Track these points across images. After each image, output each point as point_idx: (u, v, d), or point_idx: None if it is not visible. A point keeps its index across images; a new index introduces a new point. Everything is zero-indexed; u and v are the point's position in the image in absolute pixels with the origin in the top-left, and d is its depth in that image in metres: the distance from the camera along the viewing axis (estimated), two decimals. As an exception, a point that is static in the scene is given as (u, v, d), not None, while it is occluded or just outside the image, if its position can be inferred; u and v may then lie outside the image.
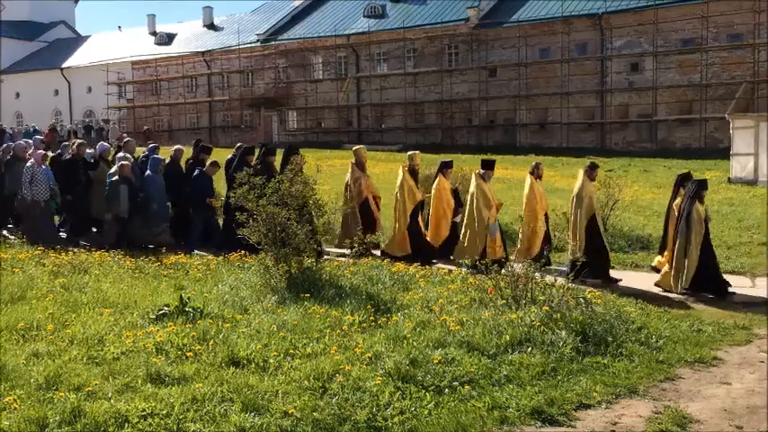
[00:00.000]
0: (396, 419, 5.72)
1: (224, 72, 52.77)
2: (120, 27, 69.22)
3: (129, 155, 14.45)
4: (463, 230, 12.08)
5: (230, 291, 9.45)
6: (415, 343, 7.24)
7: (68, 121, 55.93)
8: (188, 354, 6.81)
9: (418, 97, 44.66)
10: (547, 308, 8.04)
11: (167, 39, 59.12)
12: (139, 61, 56.66)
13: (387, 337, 7.48)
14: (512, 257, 11.93)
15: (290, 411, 5.66)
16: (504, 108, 42.39)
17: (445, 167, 12.95)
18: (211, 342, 7.14)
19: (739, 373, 7.18)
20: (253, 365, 6.64)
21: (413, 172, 12.93)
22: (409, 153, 13.63)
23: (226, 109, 52.99)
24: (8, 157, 15.25)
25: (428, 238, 12.65)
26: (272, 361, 6.72)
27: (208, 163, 13.85)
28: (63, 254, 11.94)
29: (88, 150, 15.41)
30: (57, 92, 61.93)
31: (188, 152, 15.60)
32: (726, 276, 10.88)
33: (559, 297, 8.28)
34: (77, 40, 67.60)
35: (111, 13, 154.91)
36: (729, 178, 24.68)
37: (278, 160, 13.27)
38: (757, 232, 14.70)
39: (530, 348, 7.29)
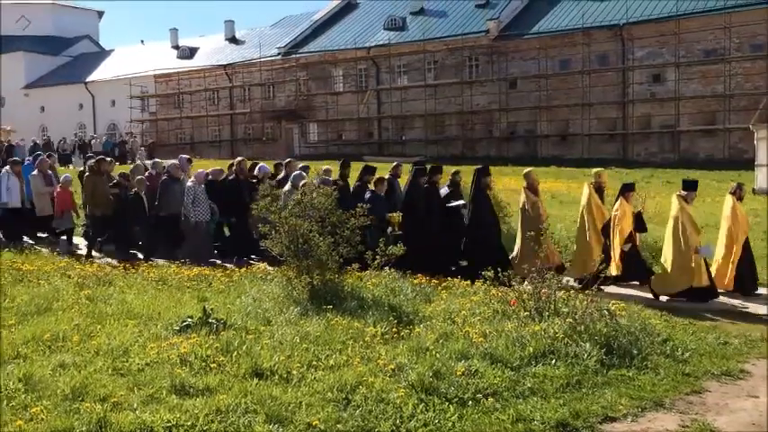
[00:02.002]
0: (419, 431, 5.70)
1: (245, 85, 53.16)
2: (142, 41, 70.00)
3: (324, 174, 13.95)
4: (669, 259, 11.17)
5: (253, 302, 9.45)
6: (437, 355, 7.21)
7: (92, 133, 56.52)
8: (212, 365, 6.83)
9: (438, 109, 44.73)
10: (570, 320, 7.98)
11: (189, 52, 59.67)
12: (162, 75, 57.20)
13: (409, 348, 7.45)
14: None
15: (313, 423, 5.65)
16: (525, 119, 42.36)
17: (627, 191, 11.90)
18: (235, 353, 7.15)
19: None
20: (276, 377, 6.65)
21: (599, 190, 12.26)
22: (595, 170, 12.98)
23: (247, 121, 53.33)
24: (164, 178, 14.77)
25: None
26: (295, 372, 6.72)
27: (373, 181, 13.32)
28: (88, 266, 12.04)
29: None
30: (81, 105, 62.63)
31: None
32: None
33: (583, 309, 8.22)
34: (101, 55, 68.37)
35: (135, 27, 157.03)
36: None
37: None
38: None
39: (553, 360, 7.24)
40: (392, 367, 6.85)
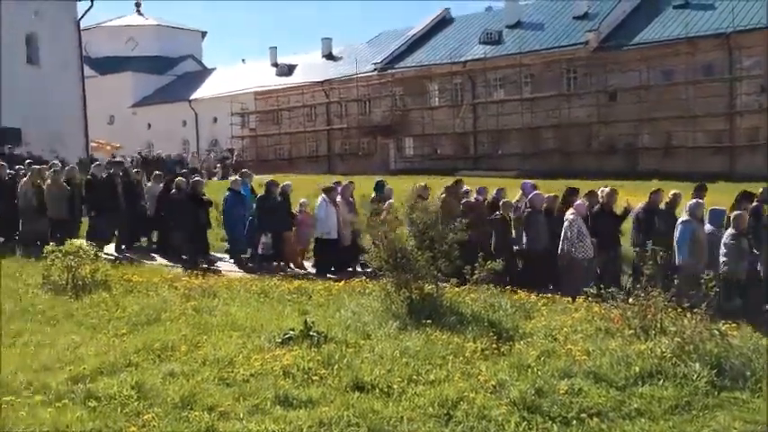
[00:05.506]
0: (523, 450, 5.62)
1: (342, 101, 53.86)
2: (243, 60, 71.99)
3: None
4: None
5: (352, 316, 9.55)
6: (539, 372, 7.11)
7: (195, 150, 58.47)
8: (314, 377, 6.93)
9: (535, 122, 44.17)
10: (678, 339, 7.71)
11: (288, 70, 60.95)
12: (262, 92, 58.58)
13: (510, 365, 7.38)
14: None
15: (415, 438, 5.66)
16: (625, 132, 41.31)
17: None
18: (336, 366, 7.23)
19: None
20: (377, 390, 6.68)
21: None
22: None
23: (344, 137, 53.97)
24: (528, 210, 13.63)
25: None
26: (395, 386, 6.74)
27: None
28: (193, 277, 12.43)
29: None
30: (184, 123, 64.82)
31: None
32: None
33: (692, 328, 7.93)
34: (204, 73, 70.67)
35: (236, 46, 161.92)
36: None
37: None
38: None
39: (661, 381, 7.01)
40: (493, 384, 6.79)
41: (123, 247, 16.54)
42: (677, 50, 38.69)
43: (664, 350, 7.54)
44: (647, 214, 12.96)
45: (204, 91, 64.97)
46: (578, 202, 13.15)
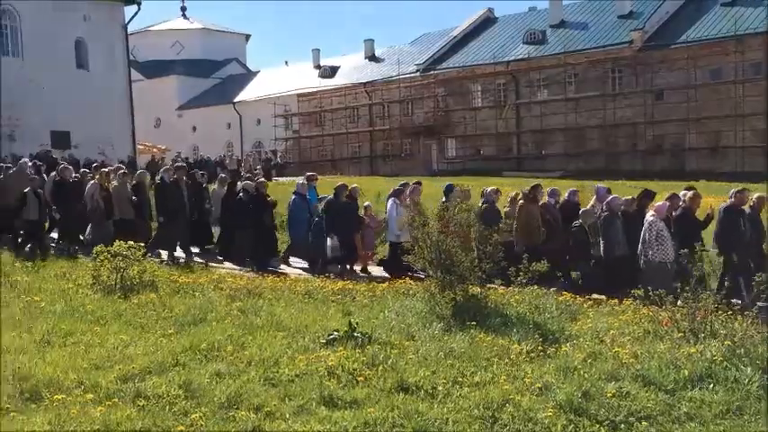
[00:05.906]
0: (570, 453, 5.56)
1: (384, 102, 53.97)
2: (286, 62, 72.50)
3: None
4: None
5: (396, 317, 9.54)
6: (586, 375, 7.01)
7: (239, 152, 59.02)
8: (359, 378, 6.93)
9: (580, 123, 43.76)
10: (729, 342, 7.57)
11: (330, 71, 61.25)
12: (305, 94, 58.97)
13: (556, 367, 7.29)
14: None
15: (460, 440, 5.63)
16: (672, 132, 40.72)
17: None
18: (380, 367, 7.22)
19: None
20: (422, 392, 6.65)
21: None
22: None
23: (386, 138, 54.08)
24: (606, 213, 12.95)
25: None
26: (440, 388, 6.71)
27: None
28: (238, 278, 12.54)
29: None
30: (229, 125, 65.55)
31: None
32: None
33: (743, 331, 7.78)
34: (248, 76, 71.37)
35: (279, 48, 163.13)
36: None
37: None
38: None
39: (711, 385, 6.86)
40: (539, 386, 6.72)
41: (179, 251, 16.22)
42: (726, 49, 38.04)
43: (714, 353, 7.41)
44: (730, 215, 12.26)
45: (248, 93, 65.65)
46: (660, 203, 12.65)
